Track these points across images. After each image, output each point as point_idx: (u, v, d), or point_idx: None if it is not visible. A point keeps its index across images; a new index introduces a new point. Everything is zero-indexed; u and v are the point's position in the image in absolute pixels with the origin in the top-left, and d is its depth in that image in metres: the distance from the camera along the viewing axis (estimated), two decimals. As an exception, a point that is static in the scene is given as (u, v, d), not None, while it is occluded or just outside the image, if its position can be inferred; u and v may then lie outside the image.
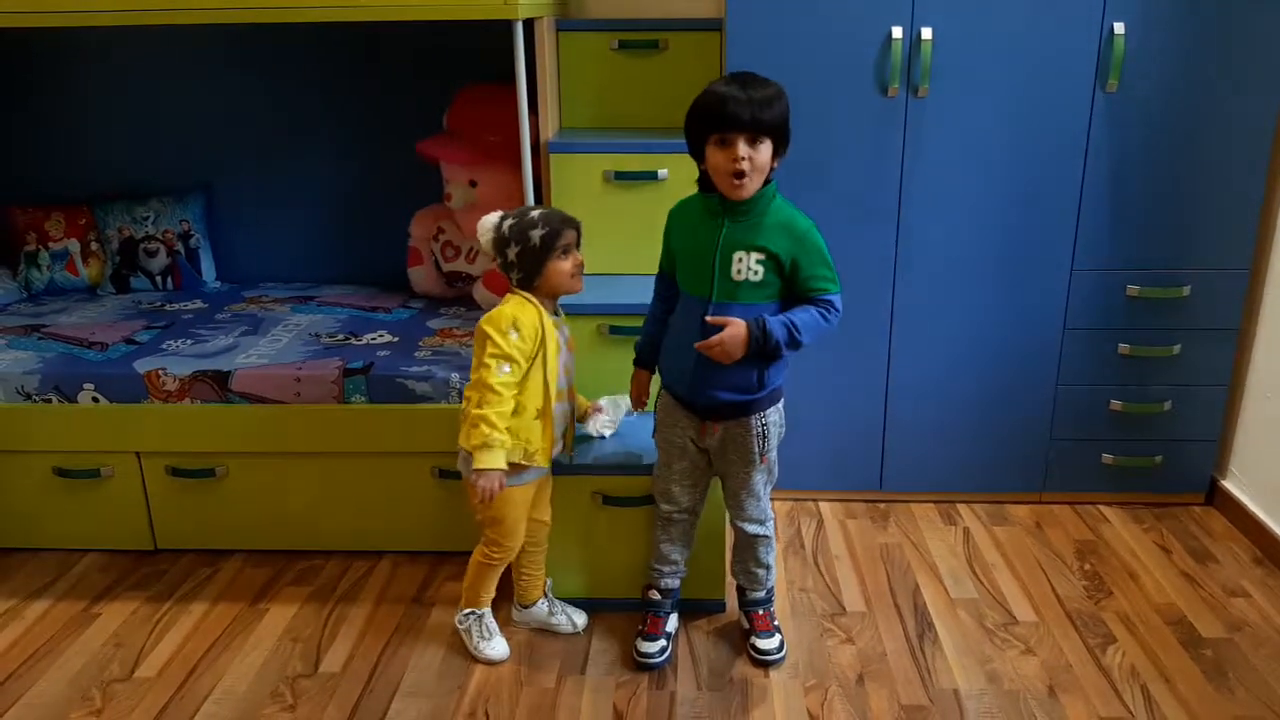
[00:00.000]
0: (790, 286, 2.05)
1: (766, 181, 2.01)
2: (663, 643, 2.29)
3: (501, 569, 2.30)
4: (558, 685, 2.22)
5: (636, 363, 2.31)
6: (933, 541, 2.79)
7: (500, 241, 2.15)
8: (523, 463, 2.17)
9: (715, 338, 1.99)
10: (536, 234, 2.12)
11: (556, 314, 2.25)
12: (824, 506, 2.99)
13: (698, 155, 2.03)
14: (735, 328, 1.99)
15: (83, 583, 2.64)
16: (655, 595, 2.33)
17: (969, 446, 2.91)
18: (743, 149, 1.92)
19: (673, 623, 2.36)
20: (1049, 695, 2.17)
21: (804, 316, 2.02)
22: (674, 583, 2.34)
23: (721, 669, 2.28)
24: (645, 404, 2.34)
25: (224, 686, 2.23)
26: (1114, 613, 2.46)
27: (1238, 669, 2.24)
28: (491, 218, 2.20)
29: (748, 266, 2.01)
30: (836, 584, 2.60)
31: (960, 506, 2.97)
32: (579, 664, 2.29)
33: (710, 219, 2.04)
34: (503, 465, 2.08)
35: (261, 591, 2.59)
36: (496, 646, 2.31)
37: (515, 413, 2.13)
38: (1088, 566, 2.65)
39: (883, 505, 2.99)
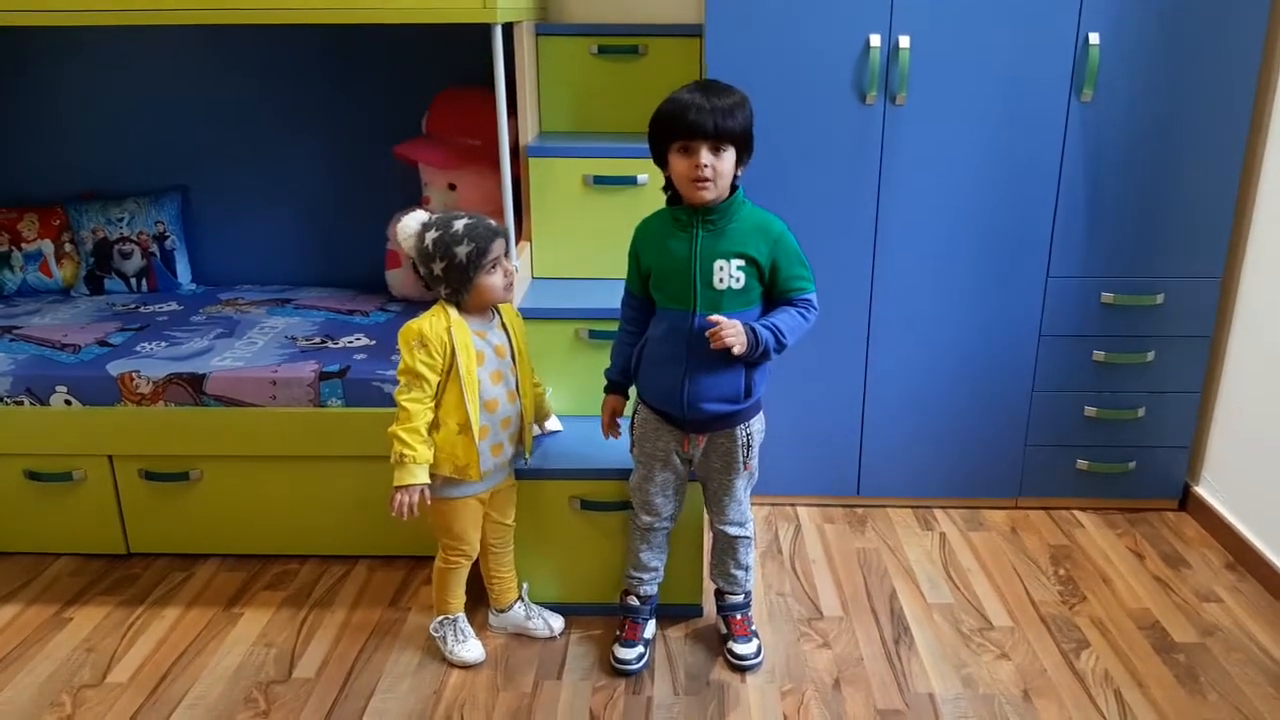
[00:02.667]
0: (769, 289, 2.05)
1: (733, 189, 2.02)
2: (640, 649, 2.28)
3: (464, 571, 2.29)
4: (534, 690, 2.22)
5: (609, 390, 2.27)
6: (909, 546, 2.80)
7: (424, 255, 2.08)
8: (455, 477, 2.15)
9: (717, 318, 1.94)
10: (462, 250, 2.04)
11: (493, 318, 2.18)
12: (801, 511, 3.00)
13: (662, 163, 2.03)
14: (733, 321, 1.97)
15: (54, 587, 2.61)
16: (634, 601, 2.32)
17: (945, 452, 2.93)
18: (705, 156, 1.93)
19: (650, 629, 2.36)
20: (1024, 699, 2.18)
21: (785, 319, 2.02)
22: (652, 589, 2.33)
23: (698, 673, 2.28)
24: (618, 431, 2.28)
25: (197, 692, 2.21)
26: (1088, 617, 2.47)
27: (1210, 673, 2.26)
28: (412, 224, 2.11)
29: (729, 274, 2.00)
30: (814, 588, 2.60)
31: (937, 512, 2.99)
32: (555, 668, 2.29)
33: (681, 231, 2.03)
34: (418, 480, 2.06)
35: (236, 596, 2.57)
36: (471, 649, 2.29)
37: (437, 427, 2.11)
38: (1062, 571, 2.67)
39: (860, 510, 3.00)
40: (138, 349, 2.74)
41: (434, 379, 2.08)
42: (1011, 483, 2.96)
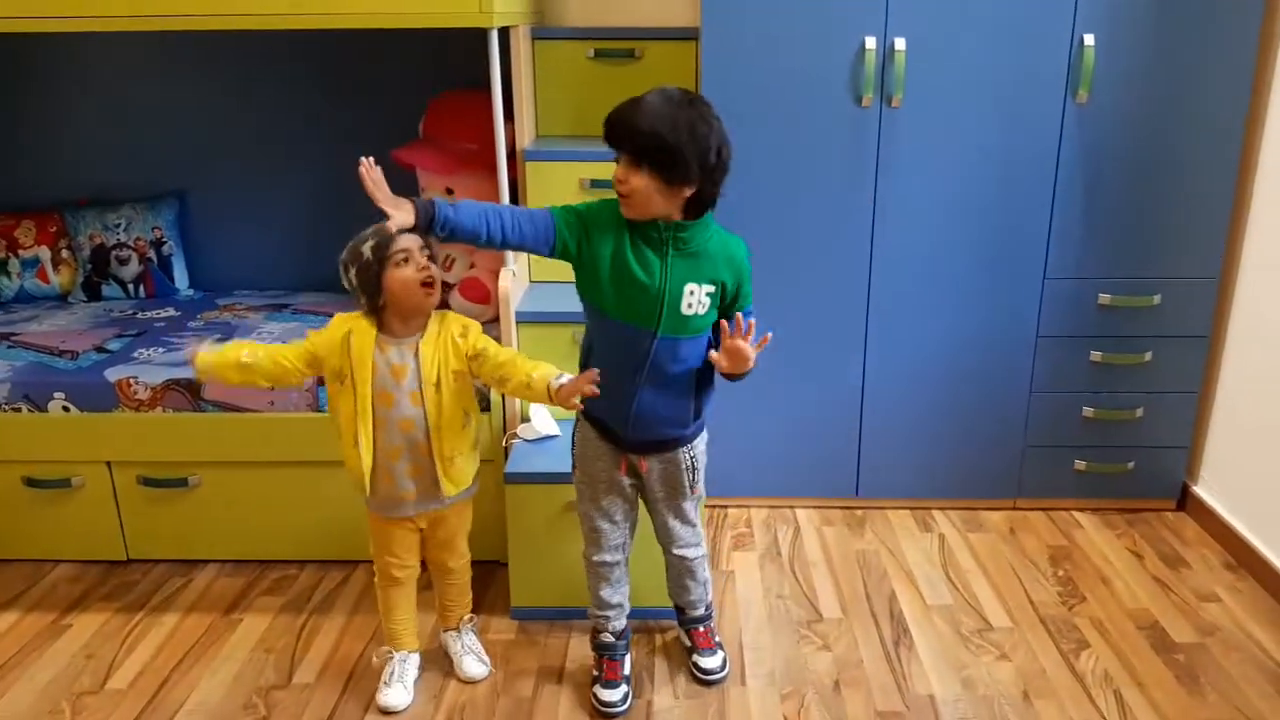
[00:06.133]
0: (723, 308, 1.97)
1: (695, 215, 1.88)
2: (624, 689, 2.17)
3: (395, 593, 2.17)
4: (534, 695, 2.22)
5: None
6: (908, 548, 2.80)
7: (342, 271, 2.00)
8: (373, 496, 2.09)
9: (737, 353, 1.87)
10: (367, 247, 1.95)
11: (413, 340, 2.01)
12: (800, 513, 3.00)
13: None
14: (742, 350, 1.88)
15: (53, 594, 2.61)
16: (607, 639, 2.21)
17: (944, 453, 2.93)
18: (619, 169, 1.83)
19: (630, 663, 2.25)
20: (1023, 700, 2.18)
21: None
22: (622, 623, 2.22)
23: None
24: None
25: (196, 698, 2.21)
26: (1087, 618, 2.47)
27: (1209, 673, 2.27)
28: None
29: (699, 300, 1.90)
30: (813, 591, 2.60)
31: (935, 513, 2.99)
32: (555, 673, 2.29)
33: (650, 246, 1.89)
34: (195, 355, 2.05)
35: (234, 602, 2.57)
36: (389, 694, 2.16)
37: (340, 436, 2.05)
38: (1061, 572, 2.67)
39: (859, 512, 3.00)
40: (135, 355, 2.74)
41: (300, 363, 2.04)
42: (1010, 484, 2.96)
